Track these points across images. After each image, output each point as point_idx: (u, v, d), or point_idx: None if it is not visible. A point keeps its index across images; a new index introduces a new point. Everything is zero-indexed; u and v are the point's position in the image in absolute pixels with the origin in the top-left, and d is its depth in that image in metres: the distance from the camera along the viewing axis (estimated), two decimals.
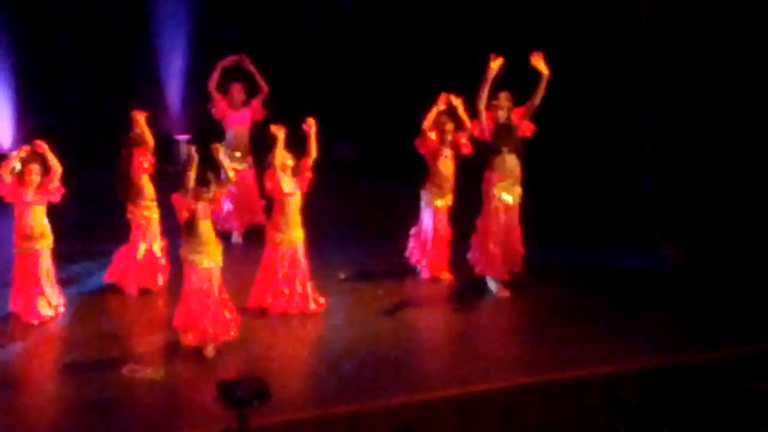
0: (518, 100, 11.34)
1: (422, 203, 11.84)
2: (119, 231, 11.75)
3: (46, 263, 10.85)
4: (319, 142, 10.81)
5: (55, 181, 10.68)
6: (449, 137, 11.56)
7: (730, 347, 10.39)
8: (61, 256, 11.25)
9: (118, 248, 11.68)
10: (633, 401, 9.38)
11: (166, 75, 16.91)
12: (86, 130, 15.61)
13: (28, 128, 15.41)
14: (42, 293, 10.77)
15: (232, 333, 10.23)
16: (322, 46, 16.98)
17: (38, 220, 10.73)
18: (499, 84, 11.21)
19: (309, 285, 11.00)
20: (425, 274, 11.92)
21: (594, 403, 9.64)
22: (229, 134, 12.90)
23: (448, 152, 11.63)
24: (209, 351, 10.11)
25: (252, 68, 12.90)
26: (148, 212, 11.55)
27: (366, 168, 16.21)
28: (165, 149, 12.19)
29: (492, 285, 11.55)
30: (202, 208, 10.01)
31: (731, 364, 10.16)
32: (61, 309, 10.95)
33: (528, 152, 11.67)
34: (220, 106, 12.94)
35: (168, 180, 11.44)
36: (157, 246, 11.58)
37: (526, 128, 11.35)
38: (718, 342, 10.48)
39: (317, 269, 11.35)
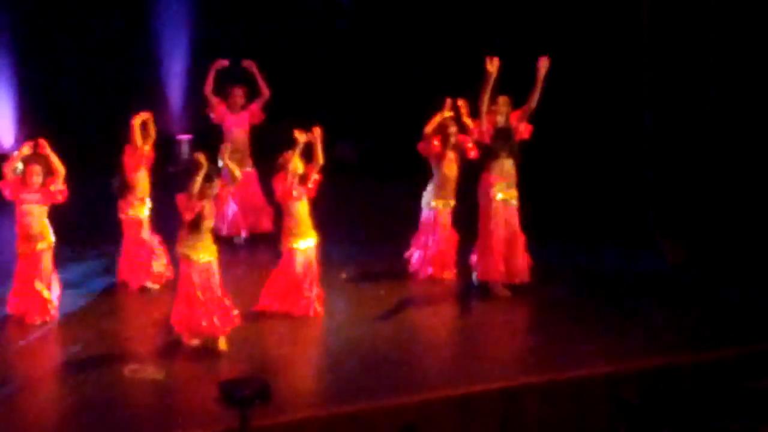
0: (519, 103, 11.36)
1: (423, 205, 11.87)
2: (120, 231, 11.78)
3: (47, 264, 10.86)
4: (323, 145, 10.84)
5: (58, 183, 10.69)
6: (452, 140, 11.59)
7: (731, 347, 10.40)
8: (62, 257, 11.26)
9: (117, 249, 11.73)
10: (634, 401, 9.41)
11: (167, 75, 16.94)
12: (87, 130, 15.64)
13: (29, 128, 15.43)
14: (43, 294, 10.78)
15: (231, 328, 10.24)
16: (323, 47, 17.01)
17: (39, 220, 10.73)
18: (500, 86, 11.23)
19: (316, 291, 11.02)
20: (428, 274, 11.94)
21: (594, 403, 9.66)
22: (229, 137, 12.90)
23: (452, 155, 11.67)
24: (221, 344, 10.13)
25: (257, 72, 12.90)
26: (133, 211, 11.59)
27: (367, 168, 16.23)
28: (166, 149, 12.19)
29: (493, 285, 11.57)
30: (207, 206, 10.04)
31: (731, 364, 10.17)
32: (62, 309, 10.97)
33: (529, 152, 11.69)
34: (218, 110, 12.95)
35: (169, 180, 11.47)
36: (155, 241, 11.63)
37: (524, 130, 11.38)
38: (718, 342, 10.49)
39: (319, 270, 11.37)
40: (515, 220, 11.49)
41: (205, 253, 10.14)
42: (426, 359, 10.31)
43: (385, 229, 13.22)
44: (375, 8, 16.78)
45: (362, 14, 17.00)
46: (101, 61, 16.23)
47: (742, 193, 12.57)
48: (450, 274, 11.95)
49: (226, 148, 10.50)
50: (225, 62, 12.85)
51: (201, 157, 9.98)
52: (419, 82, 15.53)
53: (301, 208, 10.85)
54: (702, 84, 12.61)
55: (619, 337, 10.56)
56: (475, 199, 11.52)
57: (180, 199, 10.03)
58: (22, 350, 10.44)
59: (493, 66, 11.07)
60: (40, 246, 10.75)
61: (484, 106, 11.19)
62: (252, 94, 13.01)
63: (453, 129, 11.57)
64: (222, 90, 12.97)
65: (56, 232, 10.87)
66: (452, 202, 11.84)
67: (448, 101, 11.58)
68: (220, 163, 10.60)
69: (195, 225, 10.05)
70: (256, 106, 12.99)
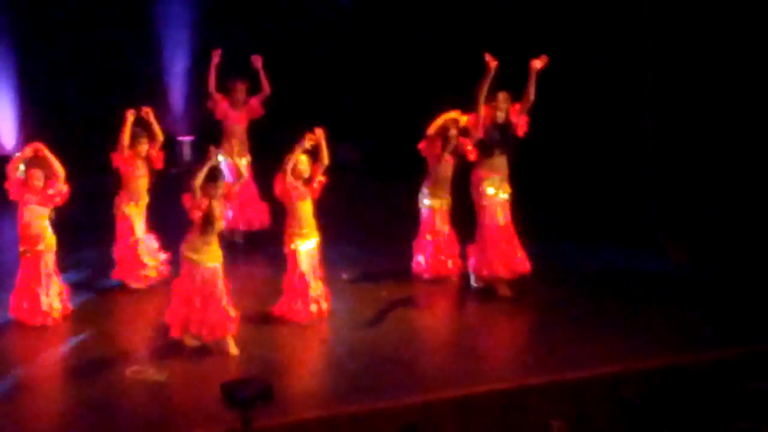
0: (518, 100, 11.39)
1: (421, 205, 11.88)
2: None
3: (49, 265, 10.87)
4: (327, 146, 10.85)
5: (58, 185, 10.71)
6: (453, 142, 11.60)
7: (732, 347, 10.40)
8: (63, 258, 11.27)
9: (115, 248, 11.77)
10: (635, 401, 9.41)
11: (168, 76, 16.94)
12: (88, 130, 15.63)
13: (30, 129, 15.44)
14: (44, 295, 10.79)
15: (232, 331, 10.24)
16: (325, 48, 17.01)
17: (41, 222, 10.75)
18: (501, 84, 11.24)
19: (322, 289, 11.01)
20: (429, 275, 11.95)
21: (594, 403, 9.66)
22: (227, 131, 12.90)
23: (449, 157, 11.68)
24: (232, 348, 10.13)
25: (261, 68, 12.91)
26: (128, 210, 11.61)
27: (369, 169, 16.23)
28: (167, 150, 12.19)
29: (495, 282, 11.57)
30: (218, 207, 10.02)
31: (732, 364, 10.17)
32: (62, 310, 10.97)
33: (529, 152, 11.69)
34: (221, 106, 12.95)
35: (169, 181, 11.47)
36: (151, 239, 11.65)
37: (523, 123, 11.39)
38: (719, 342, 10.49)
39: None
40: (507, 213, 11.49)
41: (210, 258, 10.12)
42: (427, 360, 10.32)
43: (386, 230, 13.22)
44: (376, 8, 16.77)
45: (363, 14, 16.98)
46: (102, 61, 16.23)
47: (744, 192, 12.57)
48: (451, 274, 11.94)
49: (231, 146, 10.47)
50: (218, 51, 12.83)
51: (213, 151, 9.97)
52: (421, 82, 15.52)
53: (305, 209, 10.84)
54: (704, 82, 12.61)
55: (620, 337, 10.56)
56: (470, 198, 11.53)
57: (186, 198, 9.99)
58: (23, 351, 10.45)
59: (493, 61, 11.08)
60: (42, 247, 10.77)
61: (481, 98, 11.22)
62: (253, 89, 13.02)
63: (453, 131, 11.58)
64: (223, 86, 12.97)
65: (57, 233, 10.88)
66: (447, 201, 11.86)
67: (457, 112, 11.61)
68: (221, 158, 10.54)
69: (205, 226, 10.00)
70: (256, 101, 12.99)
